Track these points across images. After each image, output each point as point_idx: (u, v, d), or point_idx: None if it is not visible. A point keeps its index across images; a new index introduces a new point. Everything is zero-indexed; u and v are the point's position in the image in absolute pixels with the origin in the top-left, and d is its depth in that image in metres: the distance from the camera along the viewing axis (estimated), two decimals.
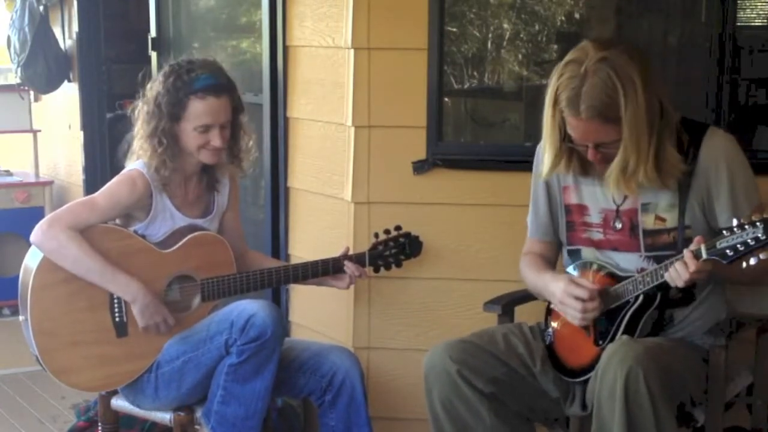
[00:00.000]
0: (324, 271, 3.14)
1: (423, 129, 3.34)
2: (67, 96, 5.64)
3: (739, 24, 3.26)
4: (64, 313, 2.87)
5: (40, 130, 5.90)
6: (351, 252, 3.20)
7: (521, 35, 3.59)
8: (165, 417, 2.98)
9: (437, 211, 3.37)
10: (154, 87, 2.95)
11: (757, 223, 2.28)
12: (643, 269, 2.62)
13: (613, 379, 2.41)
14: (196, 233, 3.00)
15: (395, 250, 3.24)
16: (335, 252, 3.18)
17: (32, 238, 2.86)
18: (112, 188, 2.94)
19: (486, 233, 3.35)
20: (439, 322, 3.40)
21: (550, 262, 2.88)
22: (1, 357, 4.71)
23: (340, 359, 3.04)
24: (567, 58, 2.54)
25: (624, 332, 2.60)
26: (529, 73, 3.67)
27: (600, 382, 2.46)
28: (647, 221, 2.65)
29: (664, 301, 2.60)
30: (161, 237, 2.98)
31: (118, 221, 2.97)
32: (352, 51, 3.35)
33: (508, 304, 2.95)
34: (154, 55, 4.64)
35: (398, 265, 3.26)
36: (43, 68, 5.42)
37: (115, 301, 2.90)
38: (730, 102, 3.21)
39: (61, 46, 5.51)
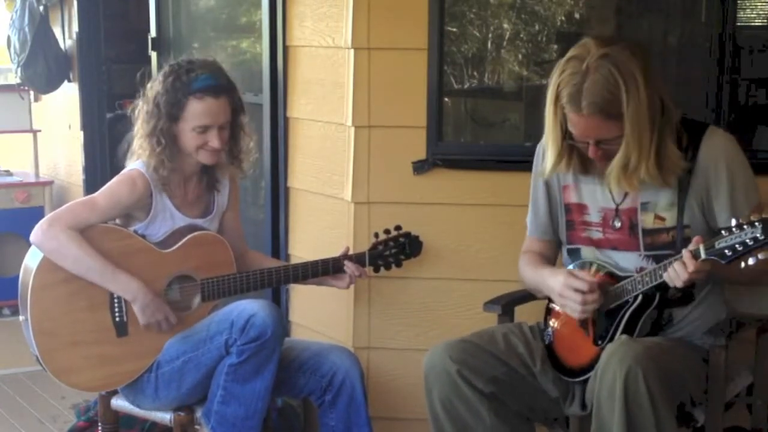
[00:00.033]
0: (324, 271, 3.14)
1: (423, 129, 3.34)
2: (67, 96, 5.65)
3: (739, 24, 3.26)
4: (64, 313, 2.87)
5: (40, 130, 5.90)
6: (351, 252, 3.20)
7: (521, 35, 3.59)
8: (165, 417, 2.98)
9: (437, 211, 3.37)
10: (154, 86, 2.95)
11: (756, 224, 2.28)
12: (642, 268, 2.62)
13: (612, 379, 2.41)
14: (196, 233, 3.00)
15: (395, 250, 3.24)
16: (335, 252, 3.18)
17: (32, 238, 2.86)
18: (112, 188, 2.94)
19: (486, 233, 3.35)
20: (439, 322, 3.40)
21: (549, 261, 2.87)
22: (1, 357, 4.71)
23: (340, 359, 3.04)
24: (568, 54, 2.54)
25: (623, 332, 2.60)
26: (529, 73, 3.67)
27: (599, 381, 2.46)
28: (646, 220, 2.65)
29: (663, 301, 2.60)
30: (161, 237, 2.98)
31: (118, 221, 2.97)
32: (352, 51, 3.35)
33: (508, 304, 2.95)
34: (154, 55, 4.64)
35: (398, 265, 3.26)
36: (43, 68, 5.42)
37: (115, 300, 2.90)
38: (730, 102, 3.21)
39: (61, 46, 5.51)
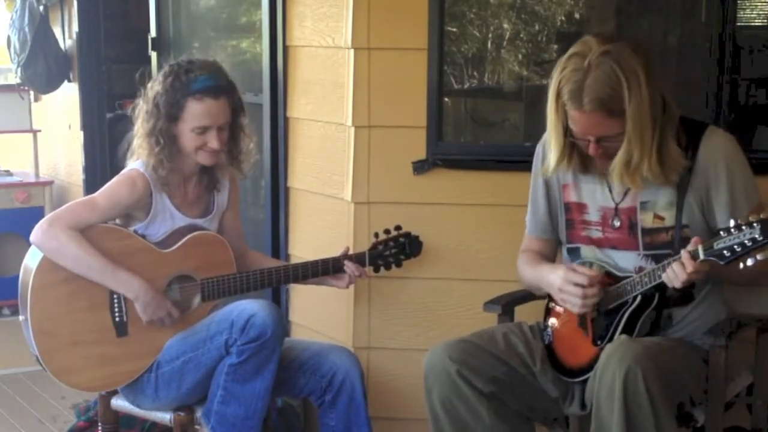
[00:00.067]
0: (324, 270, 3.14)
1: (423, 129, 3.34)
2: (67, 96, 5.65)
3: (739, 24, 3.26)
4: (64, 313, 2.87)
5: (40, 130, 5.90)
6: (351, 252, 3.21)
7: (521, 35, 3.59)
8: (165, 417, 2.98)
9: (437, 211, 3.37)
10: (154, 86, 2.95)
11: (755, 224, 2.28)
12: (641, 268, 2.62)
13: (611, 379, 2.41)
14: (195, 233, 3.00)
15: (395, 250, 3.25)
16: (335, 252, 3.18)
17: (32, 237, 2.86)
18: (112, 188, 2.94)
19: (486, 233, 3.35)
20: (439, 322, 3.40)
21: (548, 260, 2.87)
22: (1, 357, 4.71)
23: (340, 359, 3.04)
24: (570, 51, 2.53)
25: (622, 332, 2.60)
26: (529, 73, 3.67)
27: (599, 381, 2.46)
28: (646, 219, 2.65)
29: (662, 301, 2.60)
30: (161, 237, 2.98)
31: (118, 221, 2.97)
32: (352, 51, 3.35)
33: (508, 304, 2.94)
34: (154, 55, 4.64)
35: (398, 264, 3.26)
36: (43, 68, 5.42)
37: (115, 300, 2.90)
38: (730, 102, 3.21)
39: (61, 46, 5.51)
